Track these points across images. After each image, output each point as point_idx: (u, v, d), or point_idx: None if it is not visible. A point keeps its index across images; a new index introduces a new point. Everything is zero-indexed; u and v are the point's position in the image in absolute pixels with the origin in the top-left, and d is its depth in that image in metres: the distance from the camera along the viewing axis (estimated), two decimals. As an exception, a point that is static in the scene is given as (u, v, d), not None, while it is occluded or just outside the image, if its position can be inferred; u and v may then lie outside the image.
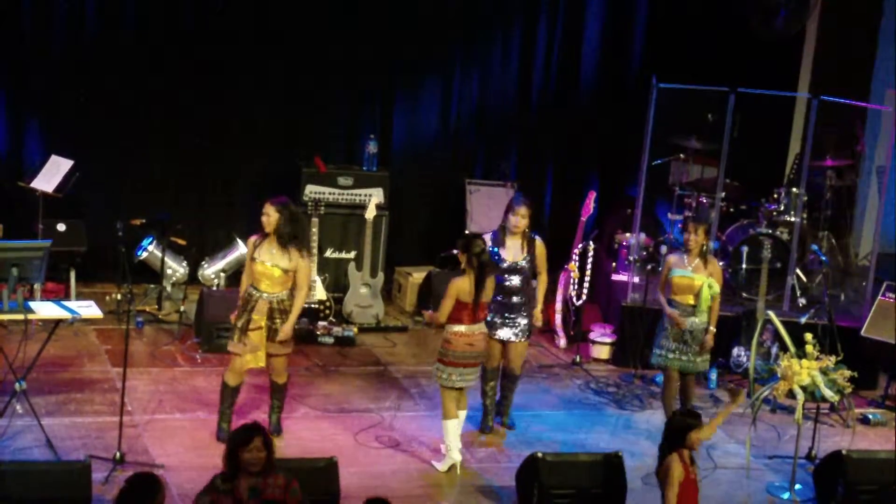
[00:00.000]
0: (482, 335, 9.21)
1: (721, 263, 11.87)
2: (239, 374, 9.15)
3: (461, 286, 8.98)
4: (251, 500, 6.88)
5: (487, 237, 9.62)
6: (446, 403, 9.10)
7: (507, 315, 9.66)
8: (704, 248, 9.71)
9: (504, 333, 9.68)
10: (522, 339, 9.74)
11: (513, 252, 9.65)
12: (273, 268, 8.99)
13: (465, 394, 9.25)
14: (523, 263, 9.65)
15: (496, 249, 9.61)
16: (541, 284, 9.83)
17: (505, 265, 9.60)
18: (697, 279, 9.65)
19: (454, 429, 9.07)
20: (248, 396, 9.83)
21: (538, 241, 9.78)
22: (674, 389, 9.82)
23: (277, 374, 9.26)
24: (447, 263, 11.90)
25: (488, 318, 9.49)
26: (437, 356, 9.18)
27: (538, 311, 9.81)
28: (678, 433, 7.77)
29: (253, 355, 9.07)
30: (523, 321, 9.70)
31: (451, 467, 9.07)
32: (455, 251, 9.32)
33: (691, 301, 9.66)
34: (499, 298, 9.59)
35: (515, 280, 9.64)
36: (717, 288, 9.69)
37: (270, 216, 9.00)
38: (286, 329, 9.10)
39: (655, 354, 9.80)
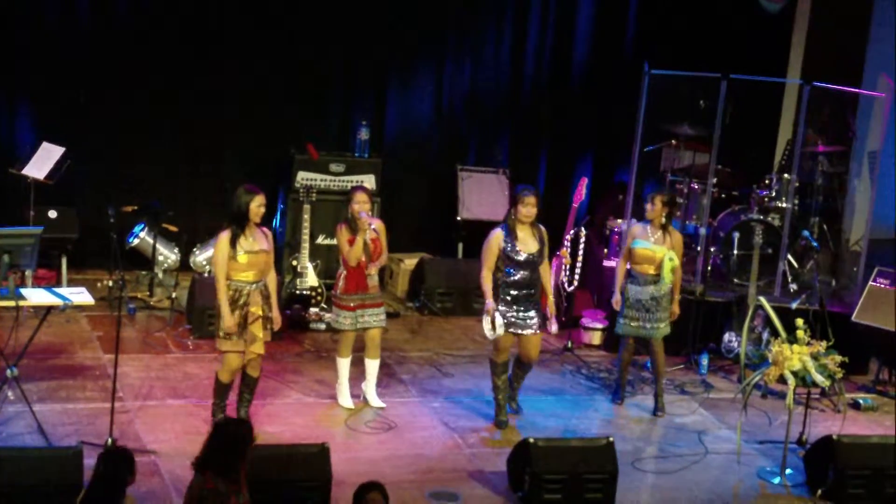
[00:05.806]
0: None
1: (712, 249, 11.94)
2: (234, 372, 9.05)
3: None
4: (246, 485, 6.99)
5: (500, 231, 9.50)
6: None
7: (522, 308, 9.51)
8: (664, 218, 9.94)
9: (519, 327, 9.52)
10: (538, 332, 9.63)
11: (527, 244, 9.48)
12: (260, 252, 8.94)
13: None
14: (537, 256, 9.53)
15: (512, 241, 9.46)
16: (546, 273, 9.71)
17: (521, 258, 9.47)
18: (658, 251, 9.92)
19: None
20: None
21: (544, 231, 9.67)
22: (629, 357, 10.18)
23: (255, 367, 9.09)
24: None
25: (502, 314, 9.48)
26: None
27: (552, 300, 9.76)
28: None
29: (254, 345, 8.96)
30: (535, 313, 9.56)
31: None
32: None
33: (652, 271, 9.96)
34: (514, 292, 9.48)
35: (530, 273, 9.51)
36: (677, 261, 9.96)
37: (263, 204, 8.95)
38: (278, 316, 9.12)
39: (618, 323, 10.11)
